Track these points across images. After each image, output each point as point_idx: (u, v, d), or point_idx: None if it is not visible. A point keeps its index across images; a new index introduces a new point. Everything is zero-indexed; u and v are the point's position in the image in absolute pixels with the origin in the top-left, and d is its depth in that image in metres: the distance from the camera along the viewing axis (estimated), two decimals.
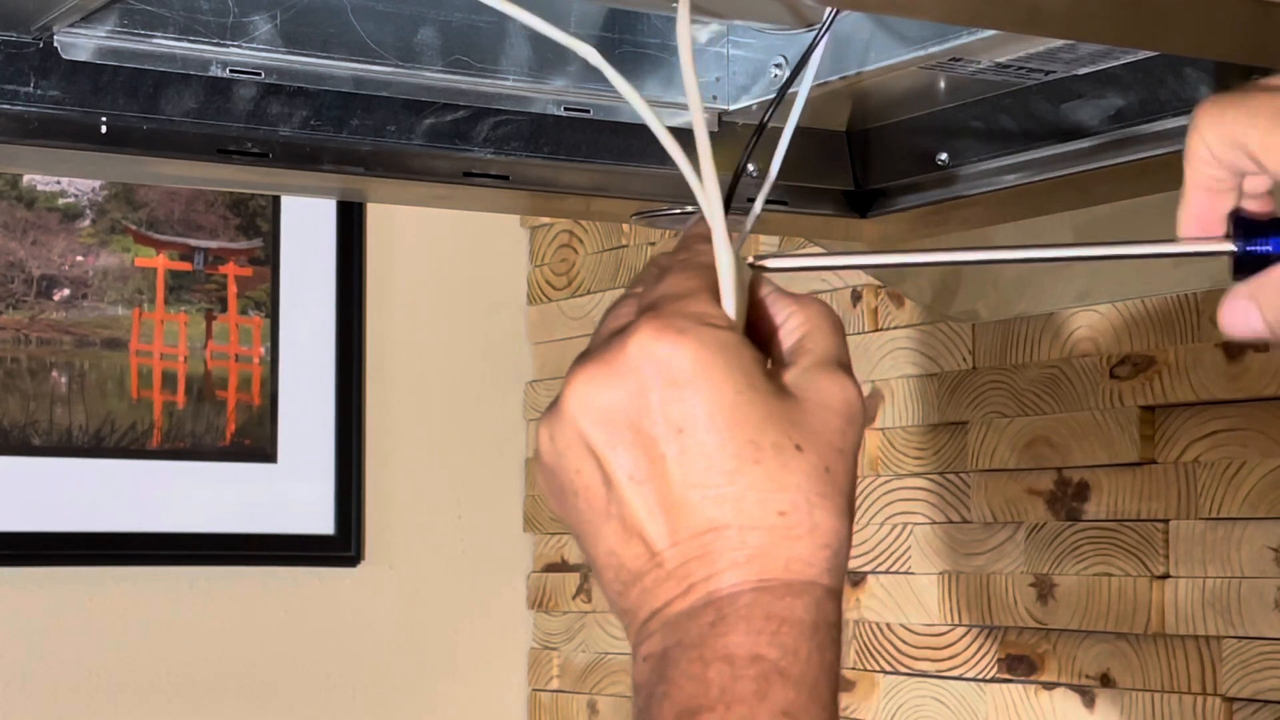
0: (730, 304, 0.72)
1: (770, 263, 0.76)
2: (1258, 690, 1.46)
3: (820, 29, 0.96)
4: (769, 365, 0.72)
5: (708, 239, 0.74)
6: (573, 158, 1.14)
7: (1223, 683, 1.48)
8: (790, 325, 0.73)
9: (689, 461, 0.69)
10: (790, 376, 0.71)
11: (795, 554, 0.69)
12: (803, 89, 0.90)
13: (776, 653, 0.67)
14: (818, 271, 0.79)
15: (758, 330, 0.73)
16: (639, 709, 0.69)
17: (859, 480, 1.81)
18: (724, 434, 0.68)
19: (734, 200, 0.77)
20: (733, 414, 0.69)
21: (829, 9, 0.97)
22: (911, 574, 1.75)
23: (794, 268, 0.78)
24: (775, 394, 0.70)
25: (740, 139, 1.15)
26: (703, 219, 0.74)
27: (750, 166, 1.04)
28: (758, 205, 0.81)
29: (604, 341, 0.71)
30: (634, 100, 0.74)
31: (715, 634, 0.68)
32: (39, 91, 1.00)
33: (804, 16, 1.02)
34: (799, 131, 0.85)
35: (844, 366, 0.72)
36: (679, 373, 0.69)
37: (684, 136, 0.74)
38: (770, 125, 0.92)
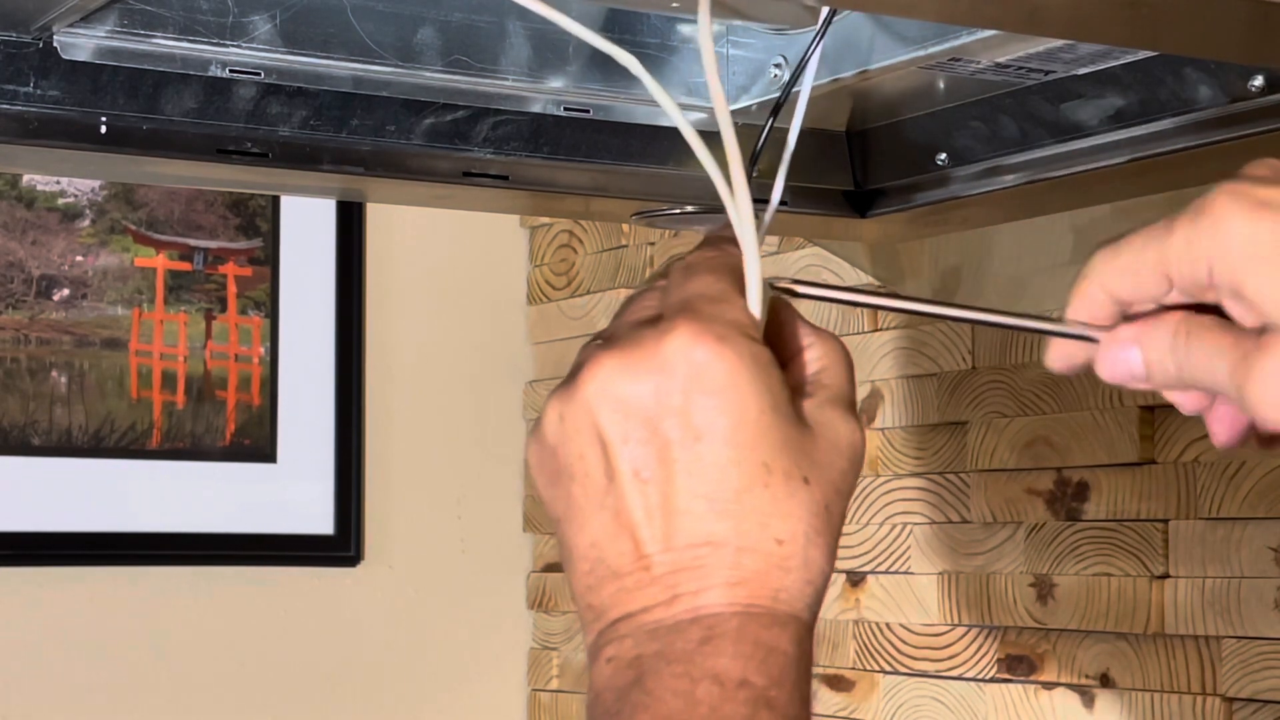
0: (759, 314, 0.71)
1: (801, 288, 0.75)
2: (1258, 690, 1.46)
3: (818, 30, 0.96)
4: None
5: (735, 240, 0.73)
6: (572, 158, 1.14)
7: (1222, 683, 1.48)
8: (810, 355, 0.73)
9: (700, 471, 0.68)
10: (807, 408, 0.71)
11: (784, 585, 0.68)
12: (804, 91, 0.90)
13: (764, 680, 0.67)
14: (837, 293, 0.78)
15: (776, 352, 0.71)
16: (607, 711, 0.68)
17: (859, 480, 1.81)
18: (741, 451, 0.68)
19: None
20: (754, 432, 0.68)
21: (825, 10, 0.97)
22: (911, 574, 1.75)
23: (824, 297, 0.76)
24: (794, 422, 0.69)
25: (739, 139, 1.15)
26: (727, 223, 0.73)
27: (754, 169, 1.04)
28: (771, 208, 0.81)
29: (632, 331, 0.70)
30: (669, 107, 0.74)
31: (703, 653, 0.67)
32: (39, 91, 1.00)
33: (805, 17, 1.02)
34: (799, 131, 0.85)
35: (854, 408, 0.72)
36: (711, 380, 0.68)
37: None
38: (764, 127, 0.92)
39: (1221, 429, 0.72)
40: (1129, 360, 0.72)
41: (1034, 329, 0.75)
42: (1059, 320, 0.74)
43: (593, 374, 0.69)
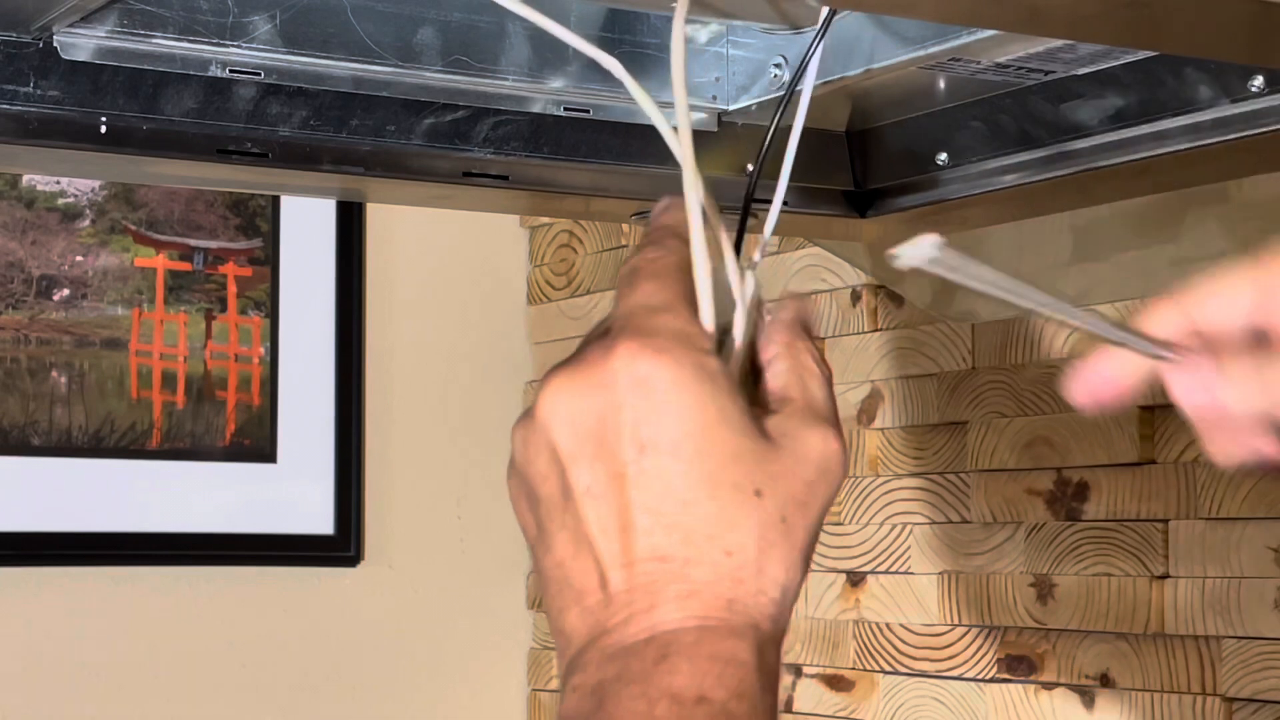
0: (708, 317, 0.69)
1: (902, 261, 0.73)
2: (1258, 690, 1.46)
3: (819, 30, 0.96)
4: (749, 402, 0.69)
5: (680, 233, 0.71)
6: (572, 158, 1.14)
7: (1222, 683, 1.48)
8: (778, 368, 0.72)
9: (646, 484, 0.67)
10: (772, 422, 0.69)
11: (738, 596, 0.67)
12: (805, 91, 0.90)
13: (723, 694, 0.65)
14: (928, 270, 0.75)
15: (753, 362, 0.71)
16: None
17: (859, 480, 1.81)
18: (687, 462, 0.67)
19: (726, 200, 0.76)
20: (700, 444, 0.67)
21: (825, 10, 0.97)
22: (911, 574, 1.75)
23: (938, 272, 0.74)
24: (746, 432, 0.68)
25: (739, 139, 1.15)
26: (673, 204, 0.72)
27: (749, 167, 1.04)
28: (774, 211, 0.80)
29: (583, 349, 0.69)
30: (647, 106, 0.74)
31: (659, 671, 0.66)
32: (39, 91, 1.00)
33: (804, 16, 1.02)
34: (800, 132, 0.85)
35: (827, 420, 0.70)
36: (655, 394, 0.67)
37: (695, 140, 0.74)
38: (769, 127, 0.92)
39: None
40: (1208, 380, 0.72)
41: (1114, 338, 0.73)
42: (1142, 334, 0.73)
43: (546, 394, 0.69)
